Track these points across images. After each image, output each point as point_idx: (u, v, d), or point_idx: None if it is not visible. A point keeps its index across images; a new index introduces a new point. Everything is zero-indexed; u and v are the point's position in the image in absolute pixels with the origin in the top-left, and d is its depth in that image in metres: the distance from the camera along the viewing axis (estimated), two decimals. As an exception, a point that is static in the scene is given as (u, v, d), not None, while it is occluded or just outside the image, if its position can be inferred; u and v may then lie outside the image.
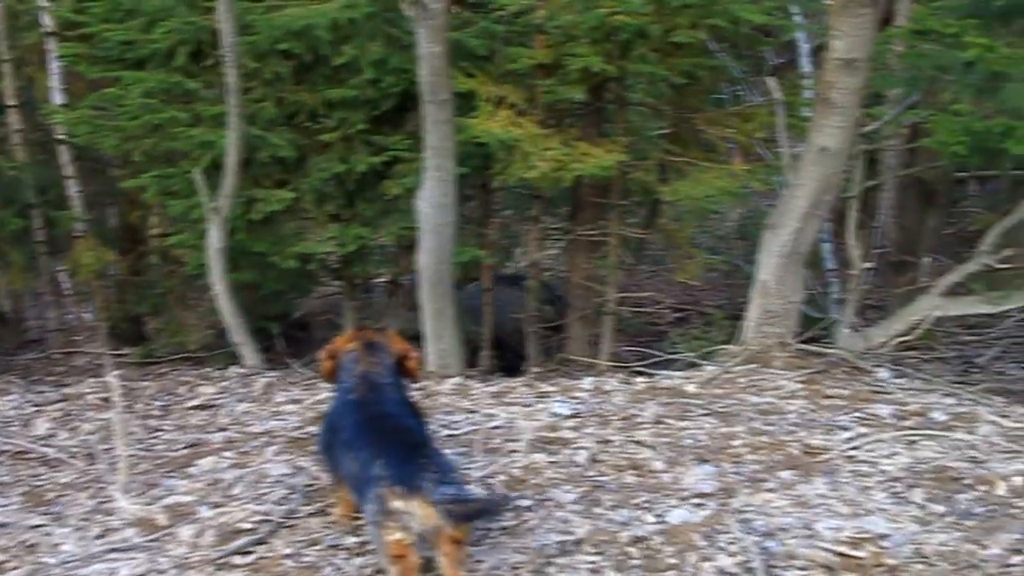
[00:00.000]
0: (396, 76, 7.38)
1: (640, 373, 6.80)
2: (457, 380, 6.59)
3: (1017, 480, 4.58)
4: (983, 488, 4.56)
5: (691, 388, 6.04)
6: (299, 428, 5.76)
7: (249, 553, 4.25)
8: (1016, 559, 3.93)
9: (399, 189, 7.57)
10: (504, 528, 4.32)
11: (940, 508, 4.42)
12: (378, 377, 4.29)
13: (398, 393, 4.32)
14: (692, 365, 6.89)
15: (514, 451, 5.08)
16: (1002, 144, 5.97)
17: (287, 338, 9.13)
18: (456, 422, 5.57)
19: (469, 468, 4.89)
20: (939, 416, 5.50)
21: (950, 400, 5.91)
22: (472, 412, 5.74)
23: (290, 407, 6.26)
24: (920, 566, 3.94)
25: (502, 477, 4.79)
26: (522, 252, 10.50)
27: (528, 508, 4.50)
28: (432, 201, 6.58)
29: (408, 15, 6.19)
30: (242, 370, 7.47)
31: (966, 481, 4.63)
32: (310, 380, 6.99)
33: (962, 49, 5.91)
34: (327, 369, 4.51)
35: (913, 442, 5.13)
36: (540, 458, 4.97)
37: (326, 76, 7.61)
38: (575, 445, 5.12)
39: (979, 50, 5.79)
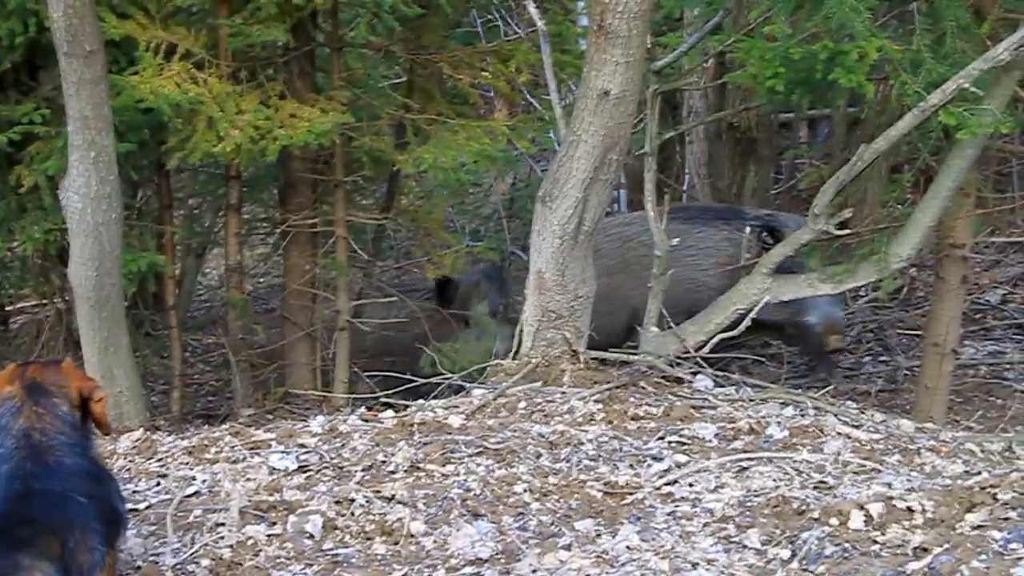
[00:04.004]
0: (19, 21, 7.18)
1: (388, 405, 6.81)
2: (139, 435, 6.44)
3: (876, 507, 4.76)
4: (834, 521, 4.72)
5: (457, 421, 6.07)
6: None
7: None
8: (880, 610, 4.12)
9: (38, 177, 7.37)
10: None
11: (783, 552, 4.54)
12: (48, 437, 4.11)
13: (79, 456, 4.11)
14: (458, 389, 6.93)
15: (220, 525, 4.99)
16: (829, 74, 6.21)
17: None
18: (140, 492, 5.45)
19: (160, 553, 4.80)
20: (776, 433, 5.69)
21: (789, 411, 6.12)
22: (161, 477, 5.63)
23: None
24: (761, 631, 4.08)
25: (205, 562, 4.70)
26: (219, 253, 10.38)
27: (246, 602, 4.46)
28: (85, 191, 6.43)
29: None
30: None
31: (813, 514, 4.79)
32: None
33: (771, -47, 6.12)
34: None
35: (745, 469, 5.29)
36: (257, 531, 4.90)
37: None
38: (304, 510, 5.07)
39: (791, -46, 6.02)
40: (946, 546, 4.40)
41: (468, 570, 4.57)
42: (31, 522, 3.69)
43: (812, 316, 8.06)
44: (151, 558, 4.73)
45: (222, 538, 4.88)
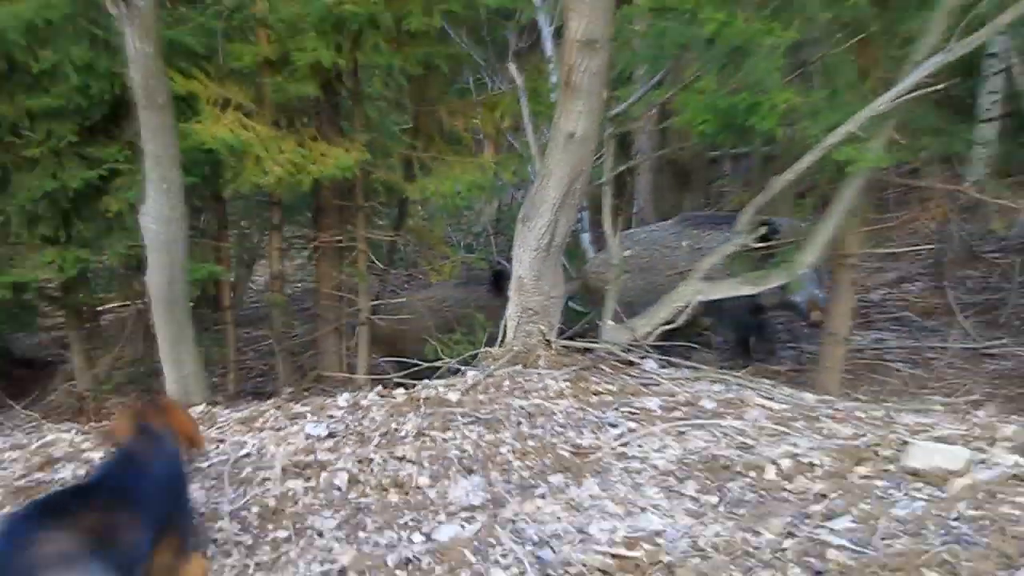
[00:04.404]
0: (106, 81, 7.19)
1: (400, 384, 6.79)
2: (202, 408, 6.44)
3: (786, 462, 4.80)
4: (753, 474, 4.76)
5: (453, 396, 6.06)
6: (24, 476, 5.52)
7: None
8: (788, 543, 4.11)
9: (121, 204, 7.38)
10: (259, 563, 4.27)
11: (713, 499, 4.59)
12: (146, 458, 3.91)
13: (163, 473, 3.94)
14: (455, 371, 6.92)
15: (267, 479, 5.00)
16: (748, 120, 6.22)
17: (8, 377, 8.74)
18: (203, 454, 5.45)
19: (219, 502, 4.80)
20: (708, 404, 5.70)
21: (718, 387, 6.14)
22: (220, 442, 5.62)
23: (12, 454, 5.99)
24: (696, 560, 4.07)
25: (255, 509, 4.71)
26: (264, 264, 10.36)
27: (286, 539, 4.45)
28: (158, 215, 6.41)
29: (113, 13, 6.01)
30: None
31: (737, 468, 4.82)
32: (34, 424, 6.71)
33: (701, 25, 6.11)
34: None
35: (683, 433, 5.30)
36: (296, 485, 4.92)
37: (26, 84, 7.33)
38: (333, 467, 5.08)
39: (717, 25, 6.01)
40: (840, 492, 4.44)
41: (463, 515, 4.58)
42: (84, 503, 3.56)
43: (798, 296, 8.08)
44: (212, 505, 4.73)
45: (268, 490, 4.89)
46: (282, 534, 4.49)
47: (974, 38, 6.05)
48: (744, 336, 8.80)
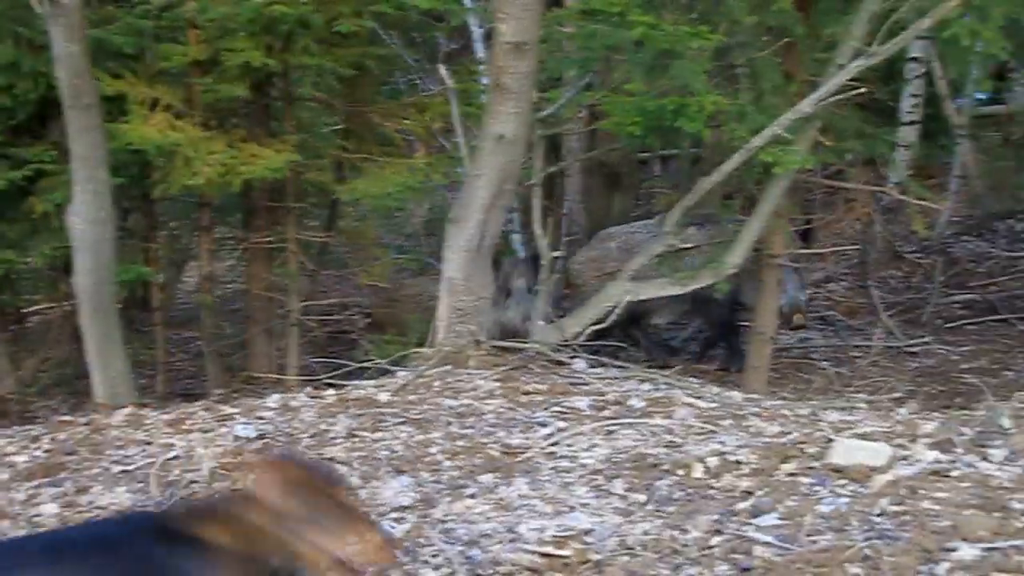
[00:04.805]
0: (32, 81, 7.06)
1: (330, 385, 6.74)
2: (129, 410, 6.34)
3: (712, 460, 4.80)
4: (681, 472, 4.75)
5: (384, 397, 6.03)
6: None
7: None
8: (715, 540, 4.11)
9: (47, 205, 7.23)
10: (188, 568, 4.20)
11: (641, 497, 4.57)
12: None
13: None
14: (385, 372, 6.88)
15: (194, 482, 4.93)
16: (675, 122, 6.26)
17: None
18: (129, 456, 5.36)
19: (145, 504, 4.72)
20: (637, 403, 5.70)
21: (647, 387, 6.14)
22: (147, 444, 5.53)
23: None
24: (625, 558, 4.06)
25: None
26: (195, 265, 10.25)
27: (214, 543, 4.39)
28: (85, 216, 6.30)
29: (40, 11, 5.91)
30: None
31: (664, 467, 4.81)
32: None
33: (629, 28, 6.14)
34: None
35: (612, 432, 5.29)
36: (223, 487, 4.85)
37: (-52, 85, 7.20)
38: (262, 469, 5.03)
39: (644, 28, 6.04)
40: (766, 490, 4.44)
41: (394, 515, 4.54)
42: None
43: (781, 299, 8.11)
44: (138, 508, 4.65)
45: (195, 492, 4.81)
46: (210, 537, 4.42)
47: (894, 42, 6.15)
48: (723, 332, 8.82)
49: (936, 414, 5.58)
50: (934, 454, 4.55)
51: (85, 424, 5.80)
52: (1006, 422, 4.84)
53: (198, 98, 7.55)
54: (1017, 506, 4.00)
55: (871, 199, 9.09)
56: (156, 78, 7.40)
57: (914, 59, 9.65)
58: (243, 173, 7.21)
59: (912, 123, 10.08)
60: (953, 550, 3.74)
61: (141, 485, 4.93)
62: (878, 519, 4.05)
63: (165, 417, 5.99)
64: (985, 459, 4.48)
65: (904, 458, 4.57)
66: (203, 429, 5.68)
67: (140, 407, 6.45)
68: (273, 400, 6.14)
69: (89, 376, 6.69)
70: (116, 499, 4.73)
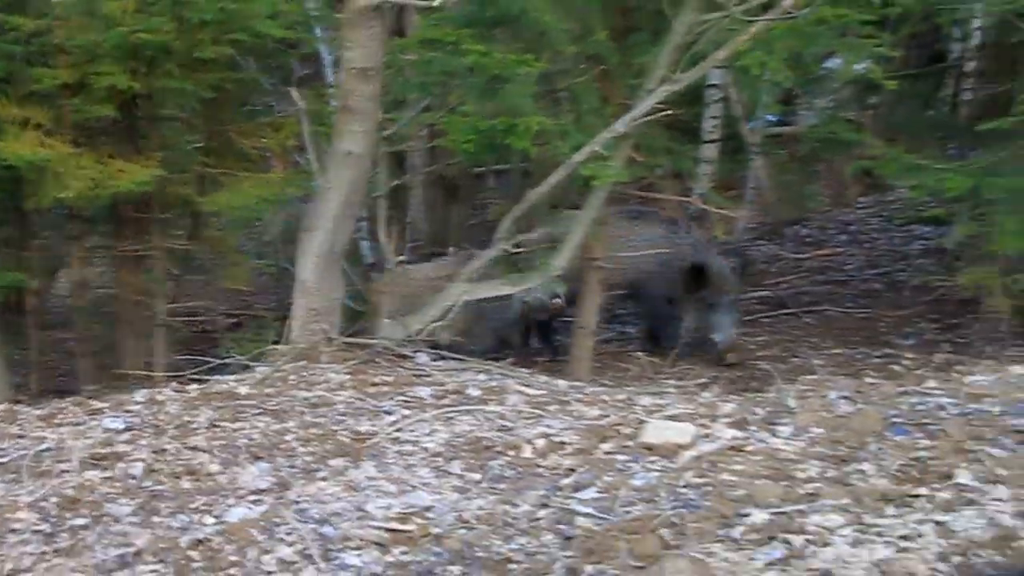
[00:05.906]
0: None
1: (194, 380, 6.60)
2: (4, 407, 6.11)
3: (540, 442, 4.87)
4: (512, 453, 4.81)
5: (244, 390, 5.93)
6: None
7: None
8: (542, 513, 4.18)
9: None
10: (58, 550, 4.07)
11: (476, 476, 4.62)
12: None
13: None
14: (245, 367, 6.78)
15: (66, 471, 4.77)
16: (506, 140, 6.32)
17: None
18: (3, 449, 5.16)
19: (18, 494, 4.55)
20: (473, 392, 5.74)
21: (483, 377, 6.17)
22: (20, 437, 5.34)
23: None
24: (463, 531, 4.10)
25: (54, 499, 4.48)
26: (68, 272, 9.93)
27: (84, 526, 4.25)
28: (-41, 228, 6.07)
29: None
30: None
31: (497, 448, 4.87)
32: None
33: (463, 56, 6.18)
34: None
35: (451, 418, 5.31)
36: (93, 475, 4.70)
37: None
38: (130, 458, 4.88)
39: (477, 56, 6.09)
40: (587, 467, 4.53)
41: (252, 498, 4.49)
42: None
43: (717, 336, 8.37)
44: (11, 498, 4.49)
45: (66, 481, 4.67)
46: (80, 521, 4.29)
47: (695, 71, 6.34)
48: (660, 324, 8.88)
49: (734, 397, 5.74)
50: (732, 432, 4.70)
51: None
52: (792, 402, 5.01)
53: (68, 118, 7.32)
54: (800, 475, 4.16)
55: (679, 208, 9.26)
56: (27, 99, 7.15)
57: (713, 85, 9.86)
58: (111, 187, 7.03)
59: (713, 141, 10.30)
60: (747, 515, 3.87)
61: (14, 476, 4.76)
62: (684, 490, 4.17)
63: (38, 412, 5.80)
64: (774, 435, 4.64)
65: (706, 436, 4.70)
66: (74, 423, 5.52)
67: (15, 403, 6.24)
68: (140, 395, 5.99)
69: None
70: (-10, 489, 4.57)
